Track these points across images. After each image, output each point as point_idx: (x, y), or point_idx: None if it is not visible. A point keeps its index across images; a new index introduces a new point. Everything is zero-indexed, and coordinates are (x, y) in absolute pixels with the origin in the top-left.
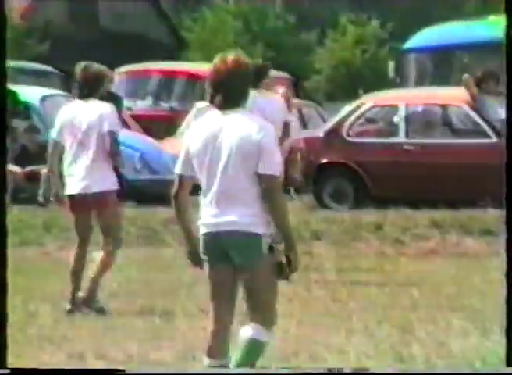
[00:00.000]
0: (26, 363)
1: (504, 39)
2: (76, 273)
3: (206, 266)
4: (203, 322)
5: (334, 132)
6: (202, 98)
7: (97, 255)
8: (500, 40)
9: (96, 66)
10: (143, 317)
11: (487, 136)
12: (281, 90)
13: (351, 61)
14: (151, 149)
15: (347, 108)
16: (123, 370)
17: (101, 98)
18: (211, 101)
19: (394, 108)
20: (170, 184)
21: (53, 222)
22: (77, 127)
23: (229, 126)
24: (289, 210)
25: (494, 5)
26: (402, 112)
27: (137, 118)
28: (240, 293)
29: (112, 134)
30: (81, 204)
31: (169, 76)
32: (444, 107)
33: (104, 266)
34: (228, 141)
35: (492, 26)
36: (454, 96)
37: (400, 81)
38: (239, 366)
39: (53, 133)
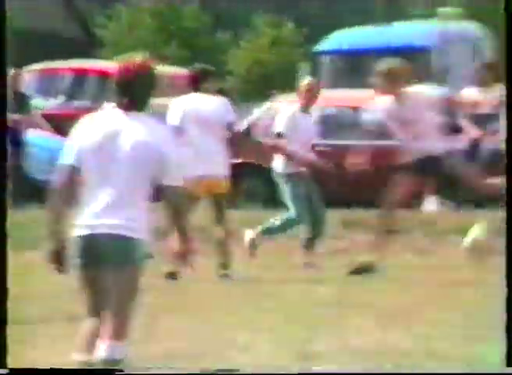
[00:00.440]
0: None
1: (504, 37)
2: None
3: (76, 269)
4: None
5: (247, 132)
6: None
7: None
8: (408, 45)
9: None
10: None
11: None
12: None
13: (266, 62)
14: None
15: (261, 109)
16: (122, 370)
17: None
18: (117, 102)
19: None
20: None
21: None
22: None
23: (129, 129)
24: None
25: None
26: (315, 114)
27: (49, 117)
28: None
29: None
30: None
31: (81, 75)
32: (356, 109)
33: None
34: (126, 143)
35: (400, 32)
36: (366, 98)
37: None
38: None
39: None
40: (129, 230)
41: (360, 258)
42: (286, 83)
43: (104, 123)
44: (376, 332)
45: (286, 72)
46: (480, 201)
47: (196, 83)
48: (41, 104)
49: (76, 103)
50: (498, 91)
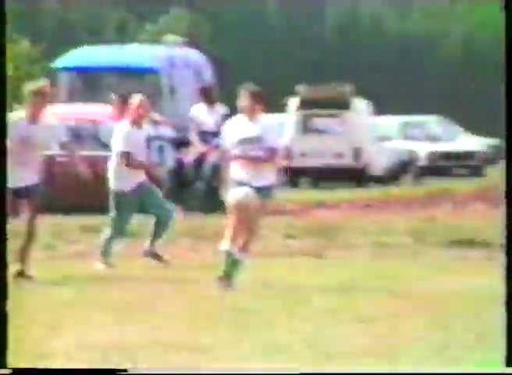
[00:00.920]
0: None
1: (504, 39)
2: None
3: None
4: None
5: None
6: None
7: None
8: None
9: None
10: None
11: None
12: None
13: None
14: None
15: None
16: (125, 370)
17: None
18: None
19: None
20: None
21: None
22: None
23: None
24: None
25: None
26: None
27: None
28: None
29: None
30: None
31: None
32: (94, 122)
33: None
34: None
35: (131, 53)
36: (102, 113)
37: (54, 97)
38: None
39: None
40: None
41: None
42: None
43: None
44: (113, 327)
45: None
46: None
47: None
48: None
49: None
50: (220, 110)
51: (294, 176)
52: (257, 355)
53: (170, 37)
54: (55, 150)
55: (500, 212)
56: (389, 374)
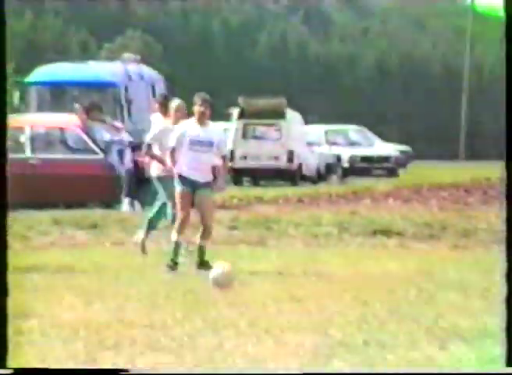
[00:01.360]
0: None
1: (504, 37)
2: None
3: None
4: None
5: None
6: None
7: None
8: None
9: None
10: None
11: (95, 153)
12: None
13: None
14: None
15: None
16: (127, 370)
17: None
18: None
19: (20, 130)
20: None
21: None
22: None
23: None
24: None
25: None
26: (27, 133)
27: None
28: None
29: None
30: None
31: None
32: (62, 129)
33: None
34: None
35: (93, 69)
36: (69, 121)
37: (24, 108)
38: None
39: None
40: None
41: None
42: None
43: None
44: (81, 308)
45: None
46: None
47: None
48: None
49: None
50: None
51: (237, 175)
52: (207, 331)
53: (126, 55)
54: None
55: (414, 207)
56: (385, 374)
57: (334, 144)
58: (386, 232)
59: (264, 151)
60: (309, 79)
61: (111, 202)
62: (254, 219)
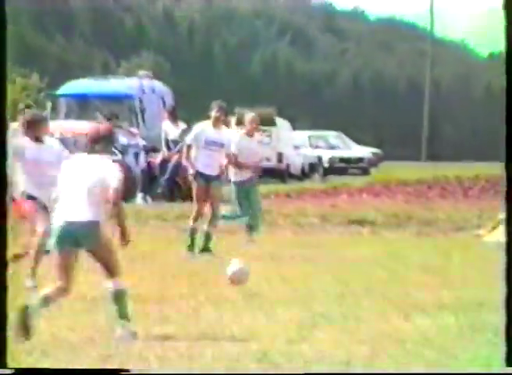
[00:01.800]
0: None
1: (505, 39)
2: None
3: None
4: None
5: None
6: None
7: None
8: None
9: None
10: None
11: (114, 154)
12: None
13: (18, 102)
14: None
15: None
16: (128, 370)
17: None
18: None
19: (51, 135)
20: None
21: None
22: None
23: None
24: None
25: None
26: (57, 137)
27: None
28: None
29: None
30: None
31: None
32: (86, 134)
33: None
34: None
35: (113, 84)
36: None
37: (54, 116)
38: None
39: None
40: None
41: None
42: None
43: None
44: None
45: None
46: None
47: None
48: None
49: None
50: (181, 126)
51: None
52: (209, 306)
53: (140, 72)
54: None
55: (384, 200)
56: (382, 374)
57: (316, 147)
58: (361, 222)
59: None
60: (295, 92)
61: (126, 197)
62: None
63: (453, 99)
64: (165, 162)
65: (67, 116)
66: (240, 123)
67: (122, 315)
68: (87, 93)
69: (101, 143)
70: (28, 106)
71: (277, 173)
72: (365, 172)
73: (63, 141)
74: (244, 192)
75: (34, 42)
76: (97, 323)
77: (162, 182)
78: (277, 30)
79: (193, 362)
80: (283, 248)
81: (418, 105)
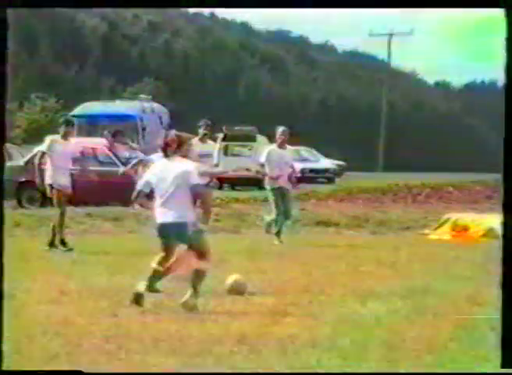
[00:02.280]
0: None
1: (505, 39)
2: None
3: None
4: None
5: (30, 162)
6: None
7: None
8: (123, 114)
9: None
10: None
11: (118, 166)
12: None
13: (38, 121)
14: None
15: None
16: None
17: None
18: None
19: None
20: None
21: None
22: None
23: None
24: None
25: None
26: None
27: None
28: None
29: None
30: None
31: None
32: (94, 149)
33: None
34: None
35: (119, 106)
36: (100, 143)
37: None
38: None
39: None
40: None
41: None
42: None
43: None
44: (106, 277)
45: (53, 127)
46: None
47: None
48: None
49: None
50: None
51: (220, 182)
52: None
53: (142, 96)
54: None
55: (346, 205)
56: (389, 374)
57: None
58: (326, 223)
59: (240, 165)
60: (273, 112)
61: (128, 202)
62: (232, 214)
63: (405, 120)
64: None
65: (78, 134)
66: (224, 139)
67: (196, 289)
68: (96, 114)
69: (182, 148)
70: (67, 121)
71: (256, 182)
72: (331, 181)
73: (83, 153)
74: (281, 197)
75: (53, 70)
76: (101, 309)
77: None
78: (259, 59)
79: (183, 343)
80: (260, 245)
81: (376, 125)
